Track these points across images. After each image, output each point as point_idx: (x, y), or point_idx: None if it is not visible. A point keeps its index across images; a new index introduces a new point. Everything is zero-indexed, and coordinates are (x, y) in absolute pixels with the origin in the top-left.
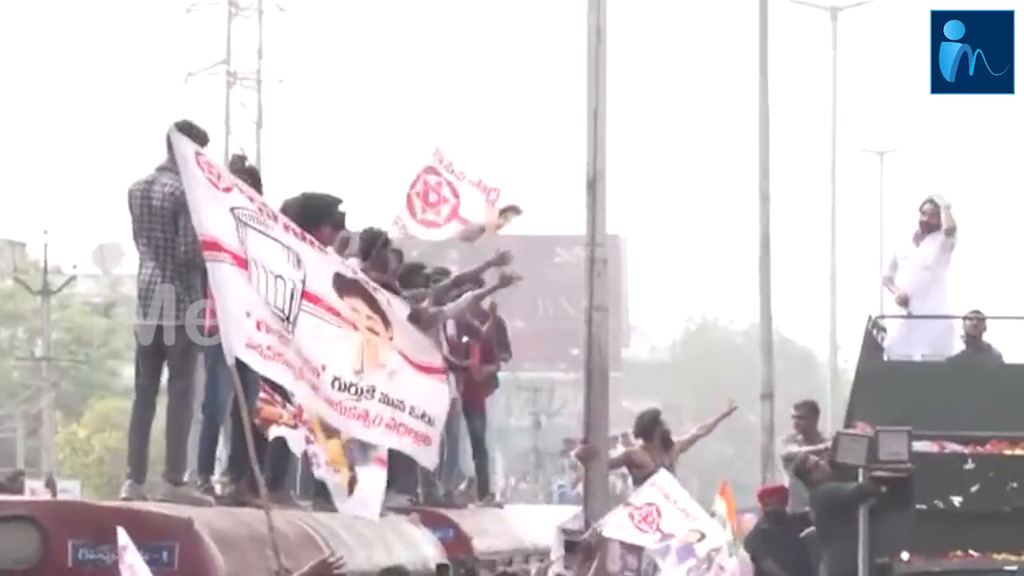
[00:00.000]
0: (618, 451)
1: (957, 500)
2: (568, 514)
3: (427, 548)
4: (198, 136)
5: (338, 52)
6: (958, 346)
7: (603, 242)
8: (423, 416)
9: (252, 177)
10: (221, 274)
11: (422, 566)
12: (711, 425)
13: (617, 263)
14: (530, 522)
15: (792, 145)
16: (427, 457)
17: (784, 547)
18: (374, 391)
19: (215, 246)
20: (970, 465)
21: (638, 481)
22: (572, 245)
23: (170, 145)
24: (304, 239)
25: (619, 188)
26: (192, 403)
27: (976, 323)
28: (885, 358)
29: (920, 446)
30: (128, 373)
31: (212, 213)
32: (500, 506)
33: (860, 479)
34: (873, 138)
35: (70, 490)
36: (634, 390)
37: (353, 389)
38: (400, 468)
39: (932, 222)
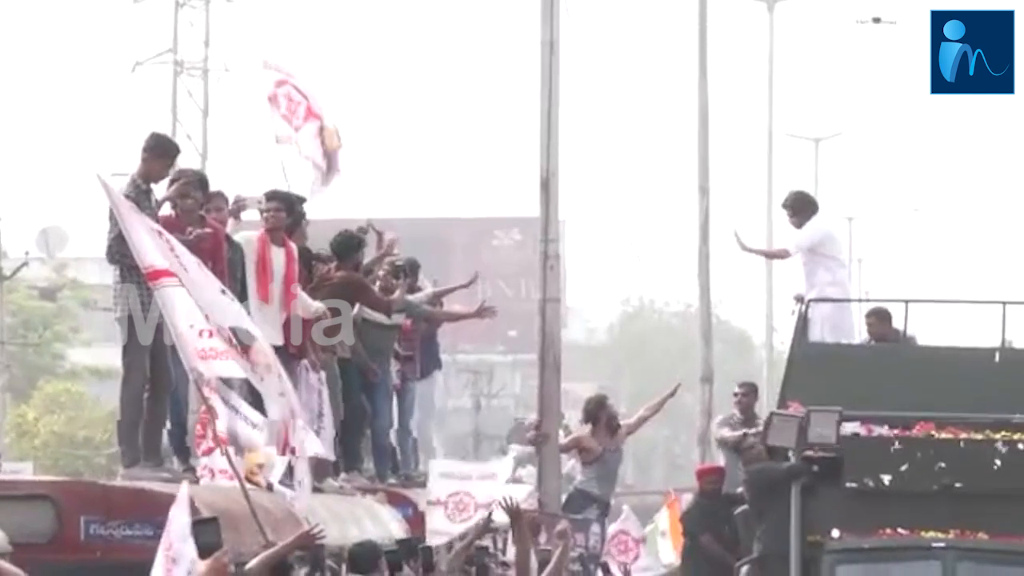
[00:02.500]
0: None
1: (886, 479)
2: (521, 493)
3: (393, 525)
4: (171, 148)
5: (285, 41)
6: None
7: (556, 238)
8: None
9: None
10: (167, 298)
11: (389, 540)
12: (658, 406)
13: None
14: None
15: (731, 133)
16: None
17: (720, 524)
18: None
19: (158, 274)
20: (898, 446)
21: (587, 463)
22: (510, 228)
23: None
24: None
25: (561, 174)
26: (167, 396)
27: (877, 323)
28: (814, 340)
29: (850, 427)
30: (74, 357)
31: (149, 243)
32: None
33: (792, 459)
34: (809, 126)
35: (22, 472)
36: (572, 372)
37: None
38: (350, 452)
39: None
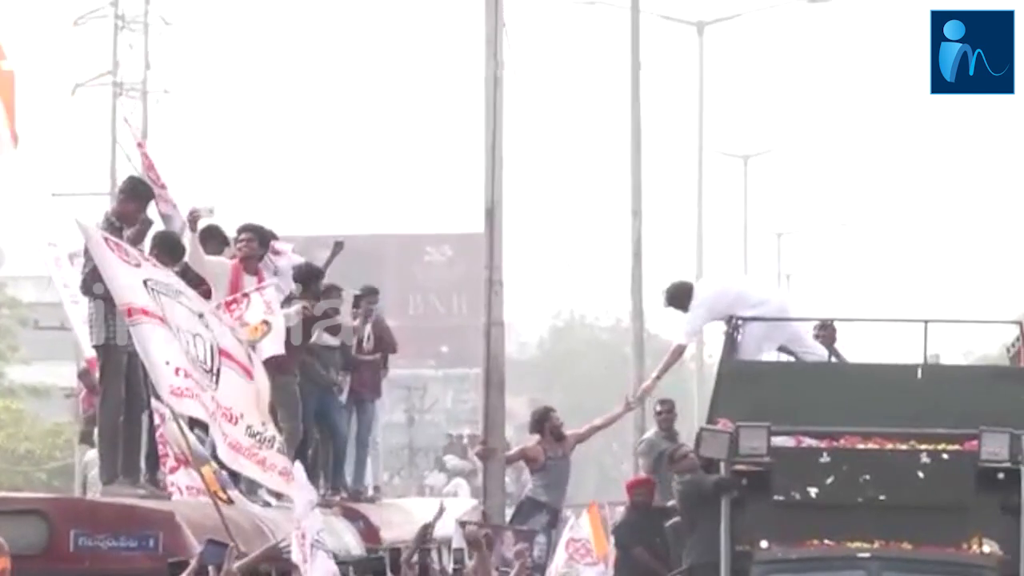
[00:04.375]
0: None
1: (813, 491)
2: (467, 507)
3: (348, 537)
4: (146, 192)
5: (224, 63)
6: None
7: (500, 264)
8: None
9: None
10: (142, 333)
11: (345, 553)
12: (612, 419)
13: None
14: (430, 515)
15: (663, 155)
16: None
17: (651, 536)
18: (273, 441)
19: (134, 311)
20: (825, 458)
21: (534, 471)
22: (441, 244)
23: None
24: (203, 303)
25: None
26: (142, 418)
27: (828, 333)
28: (743, 358)
29: (779, 441)
30: (12, 375)
31: (127, 284)
32: (372, 500)
33: (722, 472)
34: (738, 144)
35: None
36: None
37: (259, 437)
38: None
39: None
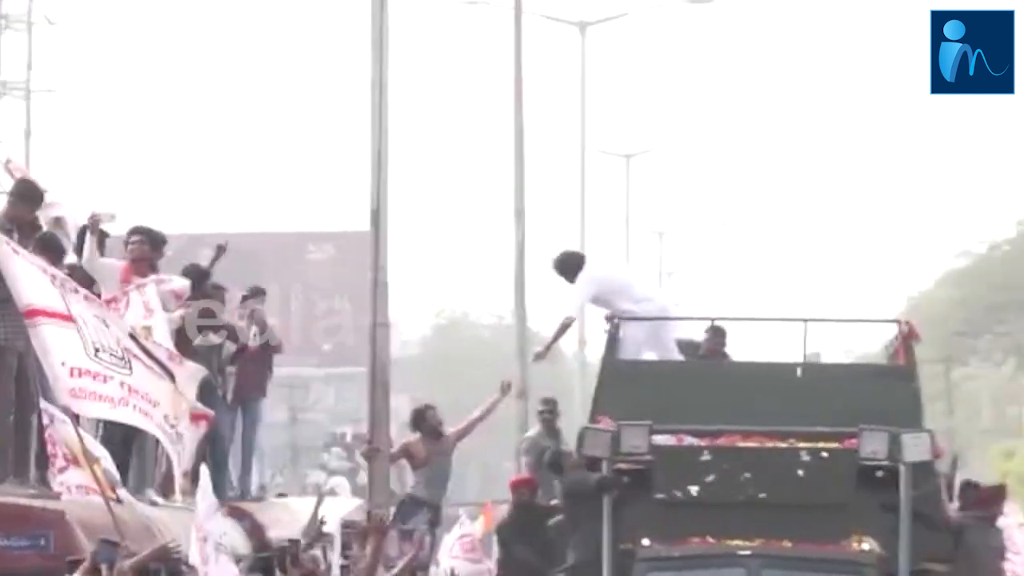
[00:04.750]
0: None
1: (695, 489)
2: (349, 506)
3: (235, 536)
4: (38, 195)
5: (108, 63)
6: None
7: (385, 265)
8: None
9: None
10: (41, 337)
11: (232, 552)
12: (489, 408)
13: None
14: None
15: (546, 155)
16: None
17: (534, 534)
18: (181, 439)
19: (35, 313)
20: (706, 457)
21: (416, 468)
22: (323, 242)
23: None
24: (96, 301)
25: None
26: (33, 419)
27: (715, 339)
28: (624, 358)
29: (660, 439)
30: None
31: (31, 283)
32: (258, 500)
33: (604, 470)
34: (620, 143)
35: None
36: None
37: (174, 431)
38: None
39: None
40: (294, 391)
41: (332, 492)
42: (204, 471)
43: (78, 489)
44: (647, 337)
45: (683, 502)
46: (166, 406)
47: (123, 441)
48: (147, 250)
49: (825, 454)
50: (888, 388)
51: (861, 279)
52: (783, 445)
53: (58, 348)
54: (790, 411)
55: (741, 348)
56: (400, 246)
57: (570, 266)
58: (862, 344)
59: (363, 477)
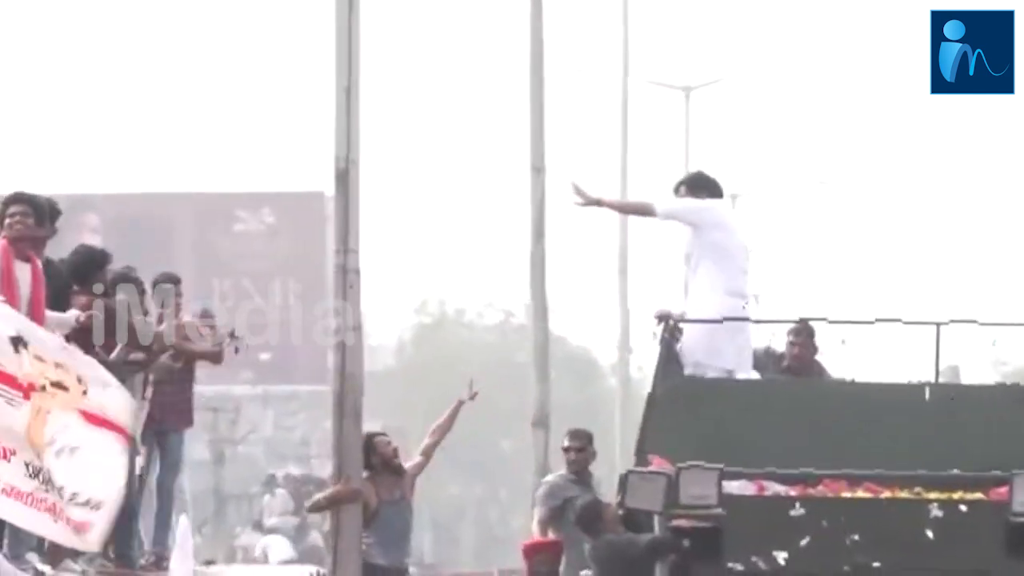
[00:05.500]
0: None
1: (781, 557)
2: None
3: None
4: None
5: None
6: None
7: (356, 246)
8: (87, 502)
9: None
10: None
11: None
12: (447, 423)
13: (321, 228)
14: None
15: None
16: (89, 543)
17: None
18: (50, 478)
19: None
20: (798, 511)
21: (365, 522)
22: (259, 206)
23: None
24: None
25: (321, 132)
26: None
27: (803, 343)
28: (686, 374)
29: (733, 487)
30: None
31: None
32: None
33: (656, 530)
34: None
35: None
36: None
37: (42, 476)
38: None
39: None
40: (219, 417)
41: (263, 557)
42: (184, 523)
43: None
44: (717, 341)
45: (766, 574)
46: (24, 449)
47: None
48: (31, 225)
49: (964, 508)
50: None
51: (1014, 265)
52: (905, 496)
53: None
54: (915, 449)
55: (842, 361)
56: (365, 215)
57: (702, 186)
58: (1017, 356)
59: (314, 538)
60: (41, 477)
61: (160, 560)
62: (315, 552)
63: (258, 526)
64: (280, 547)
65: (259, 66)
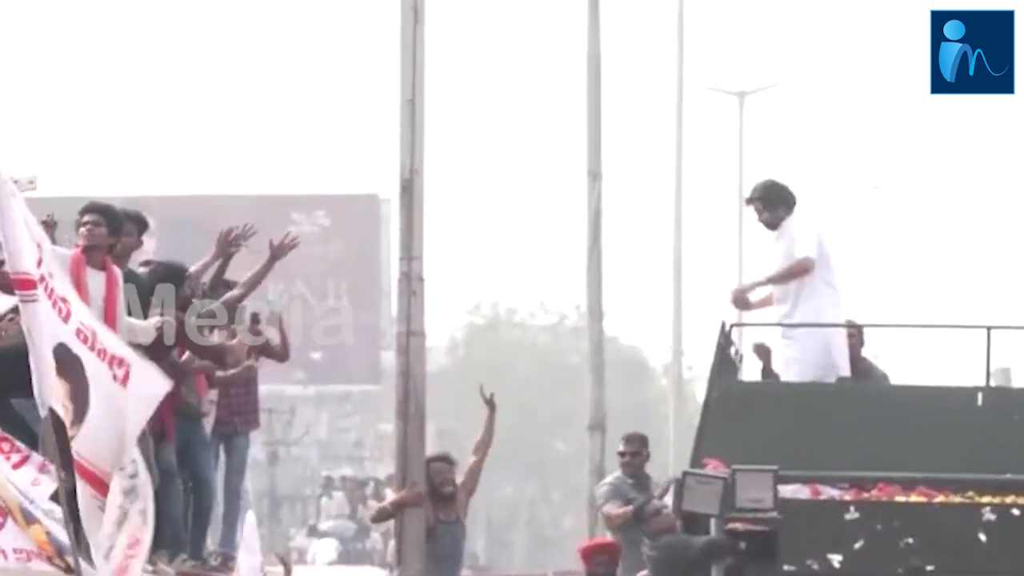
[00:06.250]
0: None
1: (836, 560)
2: None
3: None
4: None
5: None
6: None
7: (421, 254)
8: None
9: None
10: (35, 314)
11: None
12: (485, 439)
13: (375, 230)
14: None
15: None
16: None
17: None
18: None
19: (29, 284)
20: (853, 515)
21: None
22: (313, 209)
23: None
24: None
25: (376, 136)
26: None
27: (851, 337)
28: (742, 378)
29: (788, 490)
30: None
31: (27, 247)
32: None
33: (712, 532)
34: (731, 81)
35: None
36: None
37: (130, 495)
38: (165, 529)
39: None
40: (274, 417)
41: (313, 560)
42: (251, 517)
43: (16, 553)
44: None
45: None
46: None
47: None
48: (103, 234)
49: (1016, 511)
50: None
51: None
52: (958, 500)
53: (51, 336)
54: (968, 453)
55: (894, 365)
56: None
57: (778, 199)
58: None
59: (374, 540)
60: (129, 496)
61: (227, 560)
62: (373, 555)
63: (313, 531)
64: (326, 550)
65: (316, 71)
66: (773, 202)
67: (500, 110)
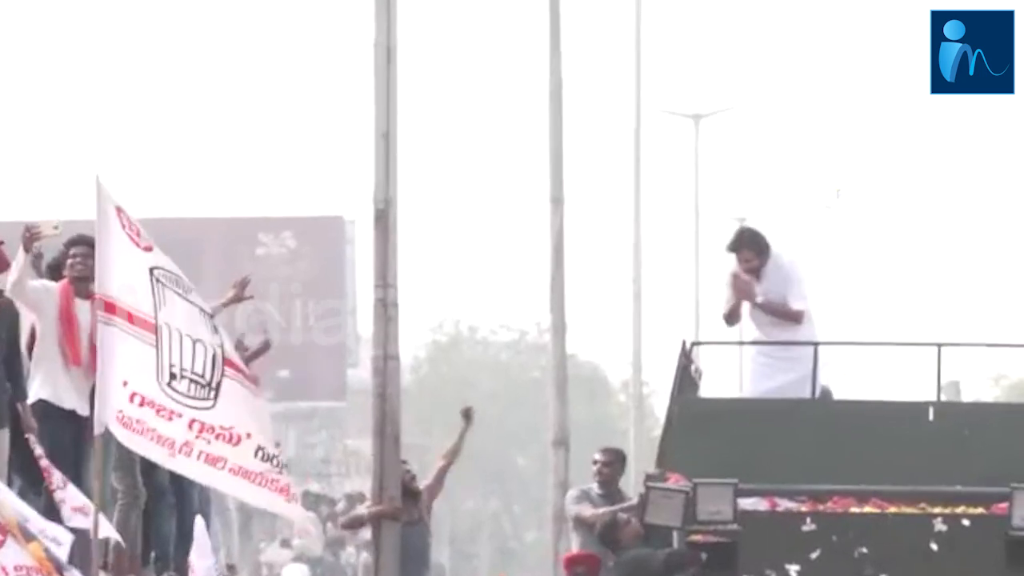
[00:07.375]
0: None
1: (793, 570)
2: None
3: None
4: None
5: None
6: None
7: (395, 281)
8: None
9: None
10: (111, 338)
11: None
12: (456, 447)
13: (339, 251)
14: None
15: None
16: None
17: None
18: (288, 467)
19: (111, 308)
20: (809, 526)
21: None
22: (281, 230)
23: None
24: (202, 309)
25: (342, 160)
26: None
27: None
28: (701, 394)
29: (748, 503)
30: None
31: (121, 272)
32: None
33: (675, 544)
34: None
35: None
36: (363, 425)
37: (275, 461)
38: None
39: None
40: None
41: None
42: (200, 522)
43: (17, 570)
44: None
45: None
46: (261, 435)
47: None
48: (91, 266)
49: (966, 522)
50: None
51: (1015, 283)
52: (911, 511)
53: (124, 362)
54: (919, 465)
55: (848, 382)
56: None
57: (763, 244)
58: (1016, 369)
59: (349, 553)
60: (275, 462)
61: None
62: (347, 570)
63: (286, 543)
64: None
65: (286, 96)
66: (762, 249)
67: (465, 139)
